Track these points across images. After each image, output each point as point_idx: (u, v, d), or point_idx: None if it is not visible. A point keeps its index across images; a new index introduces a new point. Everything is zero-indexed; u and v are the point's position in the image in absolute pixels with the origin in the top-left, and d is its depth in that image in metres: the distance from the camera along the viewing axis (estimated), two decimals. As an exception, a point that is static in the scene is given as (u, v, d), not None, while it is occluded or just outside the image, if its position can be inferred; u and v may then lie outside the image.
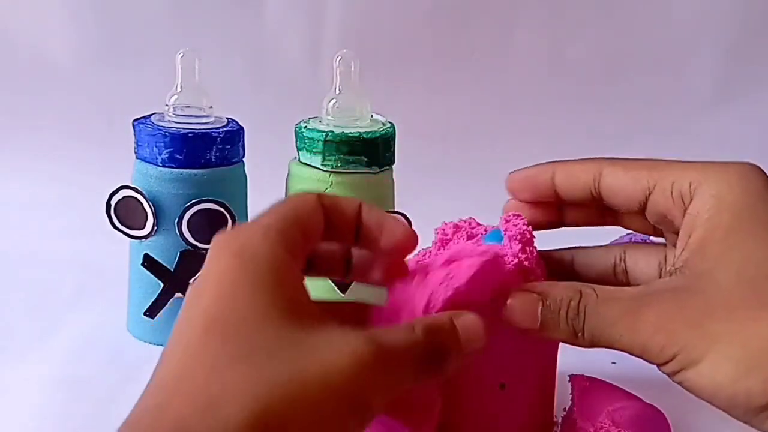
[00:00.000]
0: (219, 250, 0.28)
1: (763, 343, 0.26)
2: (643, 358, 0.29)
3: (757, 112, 1.05)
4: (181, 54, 0.50)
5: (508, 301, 0.32)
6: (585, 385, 0.37)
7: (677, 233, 0.32)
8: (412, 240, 0.32)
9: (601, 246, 0.37)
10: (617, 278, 0.36)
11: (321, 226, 0.30)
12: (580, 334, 0.30)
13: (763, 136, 1.03)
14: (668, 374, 0.29)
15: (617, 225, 0.37)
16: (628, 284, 0.34)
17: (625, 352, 0.30)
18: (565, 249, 0.37)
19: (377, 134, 0.50)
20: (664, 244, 0.35)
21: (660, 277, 0.34)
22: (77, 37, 0.99)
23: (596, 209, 0.36)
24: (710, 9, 1.04)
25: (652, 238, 0.37)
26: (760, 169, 0.31)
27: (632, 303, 0.29)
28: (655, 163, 0.33)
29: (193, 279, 0.51)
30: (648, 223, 0.34)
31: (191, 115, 0.51)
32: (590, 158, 0.34)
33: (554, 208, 0.36)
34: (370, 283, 0.33)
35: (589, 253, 0.37)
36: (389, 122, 0.52)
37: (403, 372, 0.27)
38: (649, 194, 0.32)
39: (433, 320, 0.29)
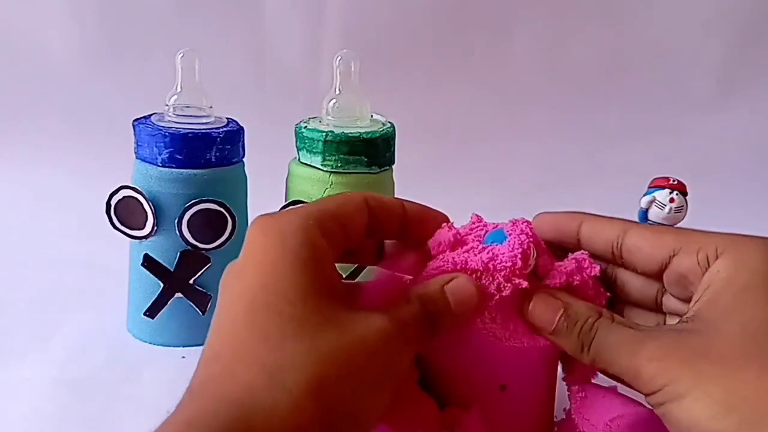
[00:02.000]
0: (260, 231, 0.30)
1: (747, 390, 0.27)
2: (632, 385, 0.31)
3: (759, 112, 1.05)
4: (181, 54, 0.50)
5: (533, 301, 0.33)
6: (583, 395, 0.36)
7: (686, 300, 0.33)
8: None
9: None
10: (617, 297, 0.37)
11: (363, 225, 0.34)
12: (585, 349, 0.32)
13: (764, 135, 1.04)
14: (653, 405, 0.30)
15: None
16: None
17: (618, 376, 0.31)
18: None
19: (377, 134, 0.49)
20: None
21: None
22: (77, 37, 0.99)
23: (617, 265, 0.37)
24: (712, 8, 1.04)
25: None
26: None
27: (640, 333, 0.31)
28: (680, 229, 0.34)
29: (193, 279, 0.51)
30: (646, 288, 0.35)
31: (191, 115, 0.51)
32: (618, 218, 0.36)
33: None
34: (400, 269, 0.36)
35: None
36: (389, 122, 0.52)
37: (413, 337, 0.30)
38: (674, 255, 0.33)
39: (425, 289, 0.32)
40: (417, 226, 0.36)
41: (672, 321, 0.35)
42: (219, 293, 0.30)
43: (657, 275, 0.34)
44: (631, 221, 0.36)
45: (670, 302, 0.35)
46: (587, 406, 0.36)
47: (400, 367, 0.29)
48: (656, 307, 0.36)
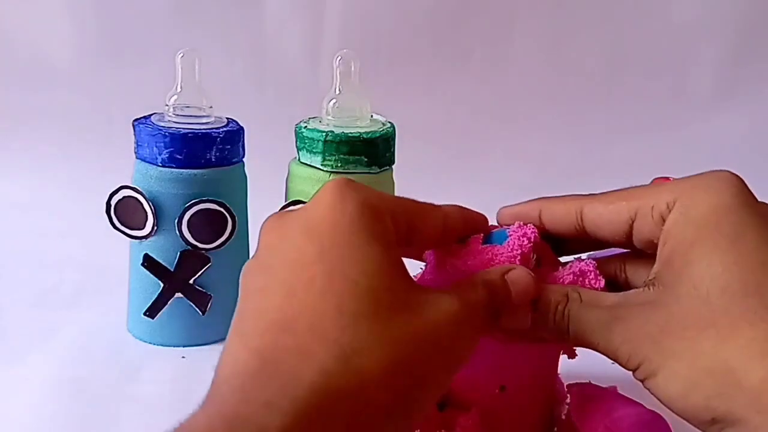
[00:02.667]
0: (339, 193, 0.29)
1: (708, 362, 0.28)
2: (618, 363, 0.31)
3: (758, 112, 1.05)
4: (181, 54, 0.50)
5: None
6: (582, 396, 0.36)
7: None
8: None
9: (600, 258, 0.38)
10: (620, 288, 0.36)
11: (432, 239, 0.33)
12: (565, 336, 0.32)
13: (763, 135, 1.04)
14: (638, 380, 0.30)
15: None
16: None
17: (603, 355, 0.31)
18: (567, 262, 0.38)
19: (377, 134, 0.50)
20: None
21: None
22: (77, 37, 0.99)
23: (591, 240, 0.36)
24: (710, 9, 1.04)
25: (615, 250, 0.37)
26: (735, 178, 0.31)
27: (608, 313, 0.31)
28: (632, 191, 0.33)
29: (193, 279, 0.51)
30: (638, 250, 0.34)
31: (191, 115, 0.51)
32: (570, 196, 0.35)
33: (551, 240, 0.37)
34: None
35: None
36: (389, 122, 0.52)
37: (481, 324, 0.30)
38: (632, 222, 0.32)
39: (490, 277, 0.31)
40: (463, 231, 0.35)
41: None
42: (277, 239, 0.29)
43: (627, 243, 0.33)
44: (585, 196, 0.35)
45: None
46: (587, 407, 0.36)
47: (465, 353, 0.29)
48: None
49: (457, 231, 0.34)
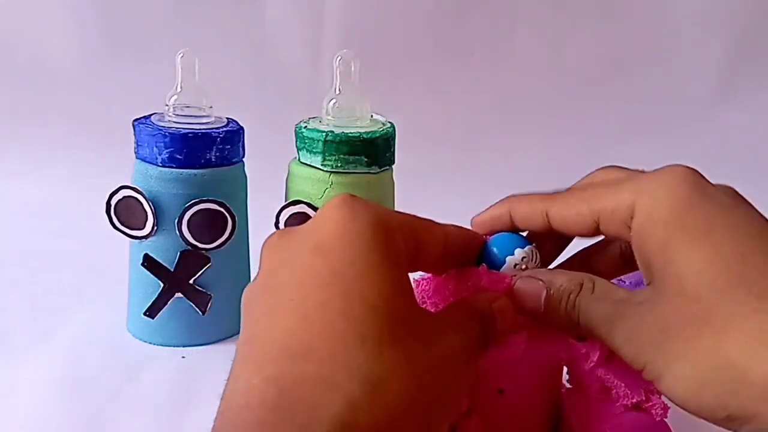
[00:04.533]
0: (350, 211, 0.28)
1: (710, 360, 0.27)
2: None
3: (759, 112, 1.05)
4: (181, 54, 0.50)
5: (516, 284, 0.33)
6: (582, 401, 0.36)
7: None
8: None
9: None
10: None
11: (435, 256, 0.32)
12: (576, 327, 0.31)
13: (765, 135, 1.04)
14: (647, 381, 0.30)
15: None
16: None
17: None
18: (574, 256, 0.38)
19: (377, 134, 0.49)
20: None
21: None
22: (78, 37, 0.99)
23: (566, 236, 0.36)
24: (711, 8, 1.04)
25: None
26: (689, 171, 0.31)
27: (614, 308, 0.30)
28: (593, 192, 0.33)
29: (193, 279, 0.51)
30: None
31: (191, 115, 0.51)
32: (537, 195, 0.35)
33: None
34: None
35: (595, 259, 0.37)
36: (389, 122, 0.52)
37: (476, 356, 0.30)
38: (597, 225, 0.32)
39: (479, 306, 0.31)
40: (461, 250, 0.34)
41: None
42: (283, 258, 0.27)
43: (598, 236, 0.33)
44: (549, 196, 0.34)
45: None
46: (585, 412, 0.36)
47: (468, 384, 0.29)
48: None
49: (456, 249, 0.34)
